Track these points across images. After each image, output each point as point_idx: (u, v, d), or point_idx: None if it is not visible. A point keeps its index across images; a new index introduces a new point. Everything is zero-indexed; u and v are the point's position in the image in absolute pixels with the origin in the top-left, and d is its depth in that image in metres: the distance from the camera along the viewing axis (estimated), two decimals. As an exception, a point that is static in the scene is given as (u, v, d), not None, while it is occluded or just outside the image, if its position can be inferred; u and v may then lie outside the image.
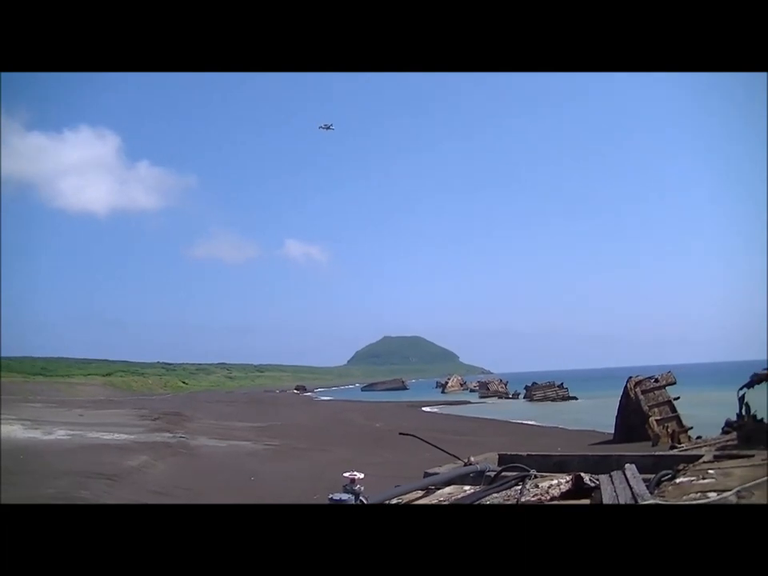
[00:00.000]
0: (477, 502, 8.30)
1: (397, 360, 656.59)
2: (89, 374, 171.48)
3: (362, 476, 7.53)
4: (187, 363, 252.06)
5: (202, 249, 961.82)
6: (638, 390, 40.93)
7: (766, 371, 11.34)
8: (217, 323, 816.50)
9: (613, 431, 42.44)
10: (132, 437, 39.55)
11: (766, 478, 7.29)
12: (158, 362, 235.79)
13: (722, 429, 22.38)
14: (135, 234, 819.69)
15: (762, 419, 11.37)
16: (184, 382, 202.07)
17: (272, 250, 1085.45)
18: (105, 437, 39.07)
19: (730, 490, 6.92)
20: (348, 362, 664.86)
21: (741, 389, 11.55)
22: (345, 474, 7.57)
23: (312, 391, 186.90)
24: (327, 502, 7.19)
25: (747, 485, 7.10)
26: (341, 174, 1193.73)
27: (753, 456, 9.41)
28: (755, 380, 11.38)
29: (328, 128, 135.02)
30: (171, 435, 42.24)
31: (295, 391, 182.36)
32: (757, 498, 6.53)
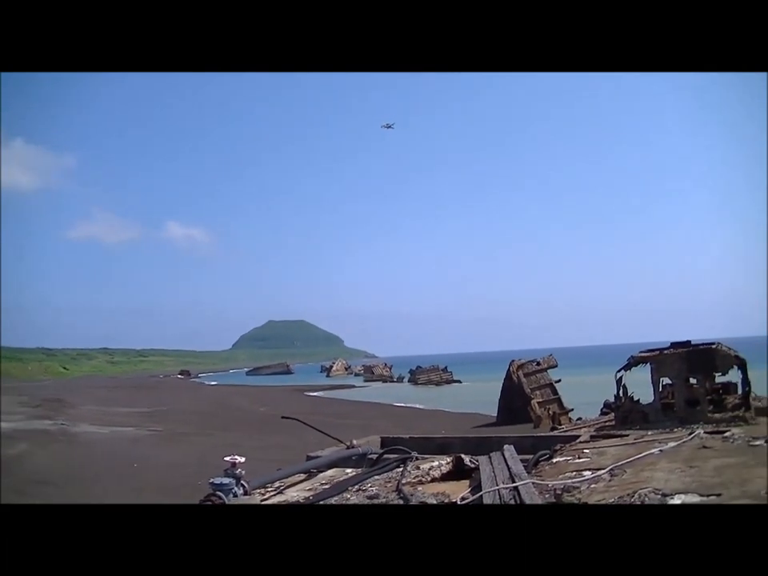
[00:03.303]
0: (359, 485, 8.35)
1: (282, 344, 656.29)
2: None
3: (242, 460, 7.49)
4: (68, 348, 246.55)
5: (81, 230, 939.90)
6: (520, 373, 41.89)
7: (642, 354, 11.69)
8: (98, 306, 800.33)
9: (496, 414, 43.29)
10: (11, 425, 38.36)
11: (638, 456, 7.54)
12: (38, 348, 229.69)
13: (601, 410, 23.10)
14: (11, 214, 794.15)
15: (639, 400, 11.74)
16: (65, 368, 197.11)
17: (153, 231, 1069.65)
18: (-18, 425, 37.86)
19: (603, 469, 7.13)
20: (233, 346, 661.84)
21: (619, 371, 11.87)
22: (226, 458, 7.52)
23: (197, 376, 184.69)
24: (208, 487, 7.15)
25: (620, 463, 7.33)
26: (226, 157, 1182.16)
27: (627, 435, 9.74)
28: (632, 362, 11.72)
29: (389, 127, 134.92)
30: (52, 422, 41.27)
31: (179, 376, 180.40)
32: (628, 475, 6.74)
